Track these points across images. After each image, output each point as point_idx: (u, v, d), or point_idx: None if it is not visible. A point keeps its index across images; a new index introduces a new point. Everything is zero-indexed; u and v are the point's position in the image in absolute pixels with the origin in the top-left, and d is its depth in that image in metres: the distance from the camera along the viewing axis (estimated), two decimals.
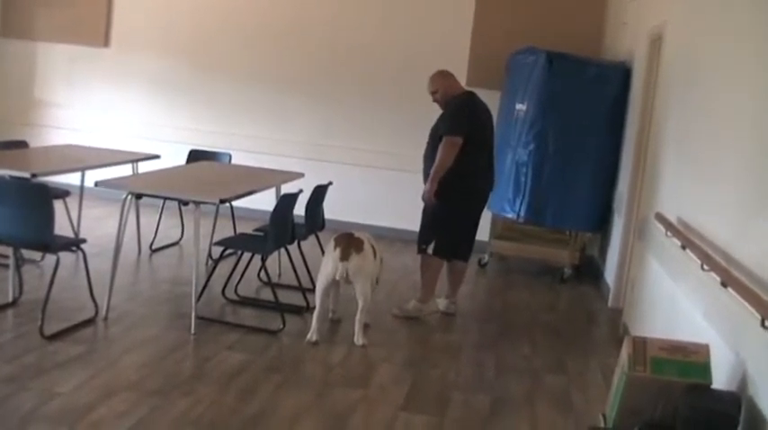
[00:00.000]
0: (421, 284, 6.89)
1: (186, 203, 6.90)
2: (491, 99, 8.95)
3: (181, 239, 8.31)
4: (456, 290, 7.05)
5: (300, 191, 6.44)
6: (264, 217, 6.47)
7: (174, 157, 8.24)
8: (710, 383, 3.56)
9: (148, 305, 6.41)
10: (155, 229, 8.08)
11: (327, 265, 5.89)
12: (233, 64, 10.08)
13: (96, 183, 6.01)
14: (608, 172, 8.29)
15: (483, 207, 6.97)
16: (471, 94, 6.86)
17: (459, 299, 7.12)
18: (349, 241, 5.90)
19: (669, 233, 5.07)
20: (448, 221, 6.68)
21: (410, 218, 8.41)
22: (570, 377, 5.72)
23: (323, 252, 6.21)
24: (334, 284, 6.06)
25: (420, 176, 6.81)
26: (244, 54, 10.03)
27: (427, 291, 6.87)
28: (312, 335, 5.86)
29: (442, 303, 7.02)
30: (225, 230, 7.60)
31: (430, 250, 6.71)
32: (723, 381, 3.62)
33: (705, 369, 3.59)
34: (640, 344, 3.71)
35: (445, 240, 6.71)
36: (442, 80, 6.84)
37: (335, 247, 5.85)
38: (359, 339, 5.91)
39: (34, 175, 6.10)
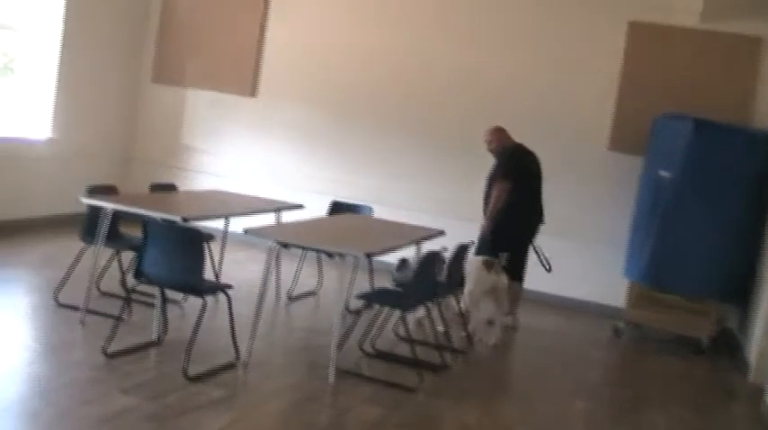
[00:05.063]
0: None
1: (331, 255, 7.00)
2: (632, 165, 8.89)
3: (318, 289, 8.41)
4: (513, 307, 8.10)
5: (445, 248, 6.47)
6: (387, 268, 6.78)
7: (316, 207, 8.36)
8: None
9: (286, 353, 6.49)
10: (294, 277, 8.19)
11: (483, 282, 7.21)
12: (376, 117, 10.21)
13: (245, 231, 6.12)
14: (752, 242, 8.06)
15: (532, 236, 8.09)
16: (520, 147, 8.10)
17: (593, 364, 7.19)
18: (494, 264, 7.32)
19: None
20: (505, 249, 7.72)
21: (544, 277, 8.40)
22: None
23: (460, 310, 6.71)
24: (483, 297, 7.28)
25: None
26: (387, 107, 10.16)
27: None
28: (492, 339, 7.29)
29: (505, 320, 7.92)
30: (361, 282, 7.67)
31: None
32: None
33: None
34: None
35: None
36: (497, 134, 8.12)
37: (487, 269, 7.26)
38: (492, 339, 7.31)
39: (185, 219, 6.25)
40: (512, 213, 7.81)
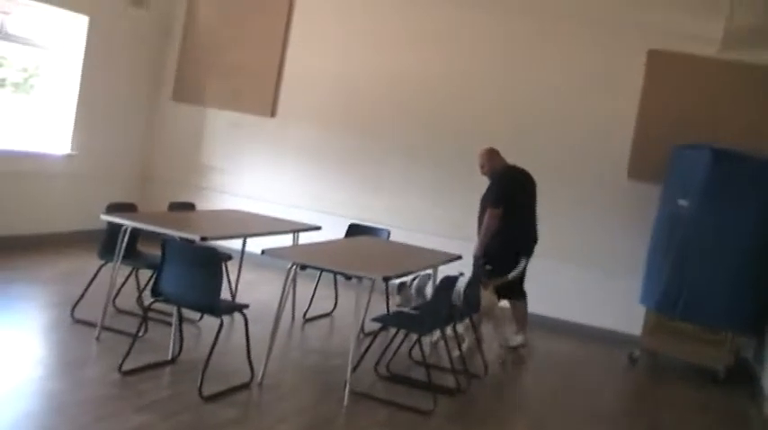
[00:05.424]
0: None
1: (349, 278, 7.02)
2: (651, 193, 8.86)
3: (333, 310, 8.40)
4: (522, 325, 8.23)
5: (461, 274, 6.46)
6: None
7: (333, 229, 8.37)
8: None
9: (301, 374, 6.47)
10: (309, 299, 8.18)
11: (485, 301, 7.25)
12: (395, 139, 10.21)
13: (263, 252, 6.12)
14: None
15: (529, 257, 8.04)
16: (512, 169, 8.13)
17: (608, 391, 7.28)
18: (487, 283, 7.49)
19: None
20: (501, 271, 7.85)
21: (561, 303, 8.36)
22: None
23: (475, 334, 6.82)
24: (484, 315, 7.57)
25: None
26: (407, 130, 10.17)
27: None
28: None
29: (516, 339, 8.16)
30: (376, 304, 7.66)
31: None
32: None
33: None
34: None
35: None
36: (487, 157, 8.15)
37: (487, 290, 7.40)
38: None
39: (203, 239, 6.24)
40: (505, 236, 7.85)
